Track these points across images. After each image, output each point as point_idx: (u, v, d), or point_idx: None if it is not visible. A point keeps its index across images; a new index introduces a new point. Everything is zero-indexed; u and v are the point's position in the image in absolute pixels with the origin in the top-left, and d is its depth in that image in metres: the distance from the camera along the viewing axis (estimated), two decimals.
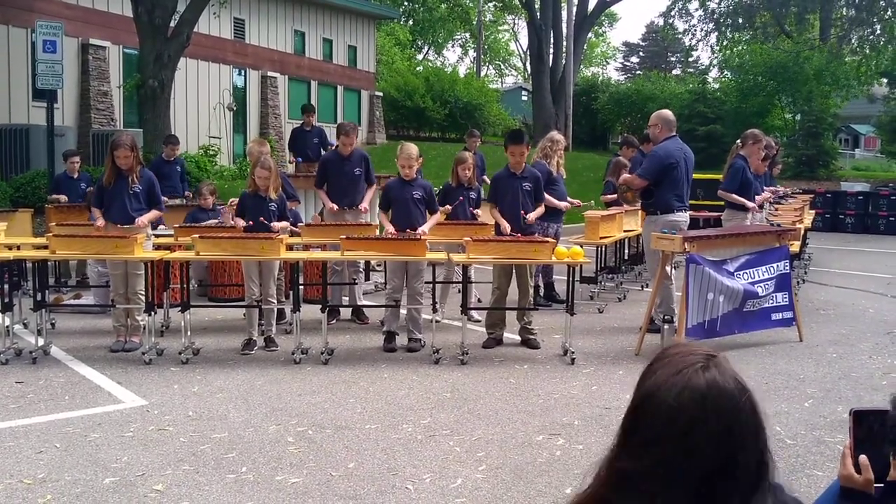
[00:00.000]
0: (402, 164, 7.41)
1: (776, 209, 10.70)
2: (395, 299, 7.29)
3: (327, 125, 18.95)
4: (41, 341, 6.79)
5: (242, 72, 23.75)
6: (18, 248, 7.75)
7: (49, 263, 8.02)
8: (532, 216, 7.48)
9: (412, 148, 7.55)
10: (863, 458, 1.67)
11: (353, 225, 7.90)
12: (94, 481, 4.17)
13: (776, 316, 7.41)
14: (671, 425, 1.33)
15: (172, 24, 15.37)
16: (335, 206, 8.15)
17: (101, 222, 7.09)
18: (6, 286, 6.80)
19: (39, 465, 4.39)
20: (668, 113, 7.99)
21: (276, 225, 7.13)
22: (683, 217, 7.75)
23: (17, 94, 17.44)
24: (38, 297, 6.90)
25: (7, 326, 6.73)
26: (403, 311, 7.43)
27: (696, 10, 38.39)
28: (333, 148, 8.62)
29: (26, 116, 17.34)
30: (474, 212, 8.39)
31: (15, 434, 4.87)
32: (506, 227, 7.28)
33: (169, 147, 11.49)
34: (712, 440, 1.32)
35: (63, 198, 10.47)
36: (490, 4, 44.75)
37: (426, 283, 7.44)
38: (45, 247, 6.98)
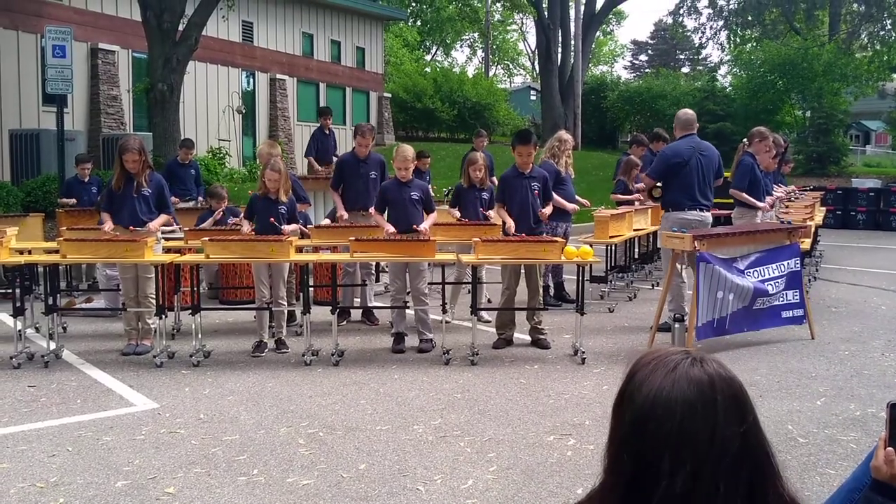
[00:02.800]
0: (399, 167, 7.43)
1: (787, 206, 10.67)
2: (401, 300, 7.29)
3: (336, 127, 18.94)
4: (53, 345, 6.82)
5: (251, 74, 23.80)
6: (30, 252, 7.79)
7: (60, 267, 8.04)
8: (547, 210, 7.51)
9: (408, 150, 7.58)
10: (889, 451, 1.67)
11: (362, 227, 7.89)
12: (106, 484, 4.19)
13: (786, 314, 7.37)
14: (689, 422, 1.33)
15: (181, 27, 15.41)
16: (345, 215, 8.14)
17: (108, 226, 7.09)
18: (18, 290, 6.83)
19: (52, 468, 4.40)
20: (682, 112, 8.13)
21: (287, 228, 7.14)
22: (697, 215, 7.73)
23: (27, 99, 17.53)
24: (50, 301, 6.93)
25: (19, 331, 6.75)
26: (411, 312, 7.43)
27: (705, 7, 38.34)
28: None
29: (37, 121, 17.43)
30: (486, 213, 8.37)
31: (27, 438, 4.89)
32: (510, 224, 7.28)
33: (183, 150, 11.57)
34: (731, 424, 1.34)
35: (72, 201, 10.54)
36: (498, 4, 44.72)
37: (436, 284, 7.44)
38: (56, 251, 7.01)
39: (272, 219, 7.08)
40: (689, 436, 1.33)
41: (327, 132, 13.20)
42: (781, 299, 7.30)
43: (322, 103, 25.29)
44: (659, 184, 7.99)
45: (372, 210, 7.87)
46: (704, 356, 1.43)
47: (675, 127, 8.00)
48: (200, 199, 11.39)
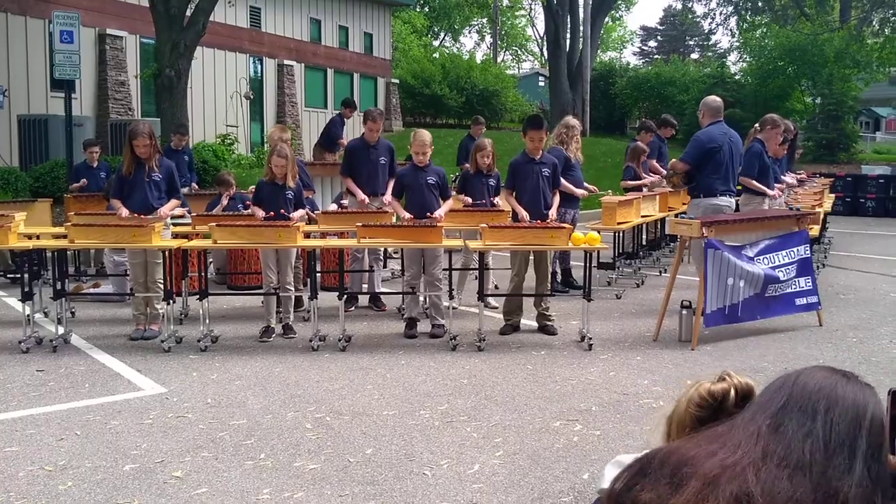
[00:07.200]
0: (416, 151, 7.42)
1: (796, 193, 10.62)
2: (413, 286, 7.29)
3: None
4: (61, 330, 6.85)
5: (259, 60, 23.77)
6: (38, 237, 7.80)
7: (68, 252, 8.07)
8: (553, 212, 7.47)
9: (425, 135, 7.56)
10: None
11: (369, 212, 7.89)
12: (114, 468, 4.20)
13: (800, 301, 7.34)
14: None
15: (188, 13, 15.39)
16: (366, 199, 8.11)
17: (124, 212, 7.09)
18: (26, 275, 6.85)
19: (60, 452, 4.43)
20: (711, 99, 8.17)
21: (295, 215, 7.14)
22: (727, 201, 7.82)
23: (35, 85, 17.55)
24: (58, 286, 6.95)
25: (28, 315, 6.78)
26: (423, 298, 7.43)
27: None
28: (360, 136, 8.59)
29: (45, 107, 17.45)
30: (494, 200, 8.34)
31: (36, 422, 4.91)
32: (524, 215, 7.26)
33: (177, 136, 11.48)
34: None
35: (83, 182, 10.57)
36: None
37: (444, 270, 7.43)
38: (65, 236, 7.02)
39: (282, 210, 7.08)
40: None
41: (347, 119, 13.28)
42: (794, 286, 7.26)
43: (330, 89, 25.31)
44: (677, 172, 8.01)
45: (388, 198, 7.85)
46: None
47: (704, 114, 8.01)
48: (194, 185, 11.40)
